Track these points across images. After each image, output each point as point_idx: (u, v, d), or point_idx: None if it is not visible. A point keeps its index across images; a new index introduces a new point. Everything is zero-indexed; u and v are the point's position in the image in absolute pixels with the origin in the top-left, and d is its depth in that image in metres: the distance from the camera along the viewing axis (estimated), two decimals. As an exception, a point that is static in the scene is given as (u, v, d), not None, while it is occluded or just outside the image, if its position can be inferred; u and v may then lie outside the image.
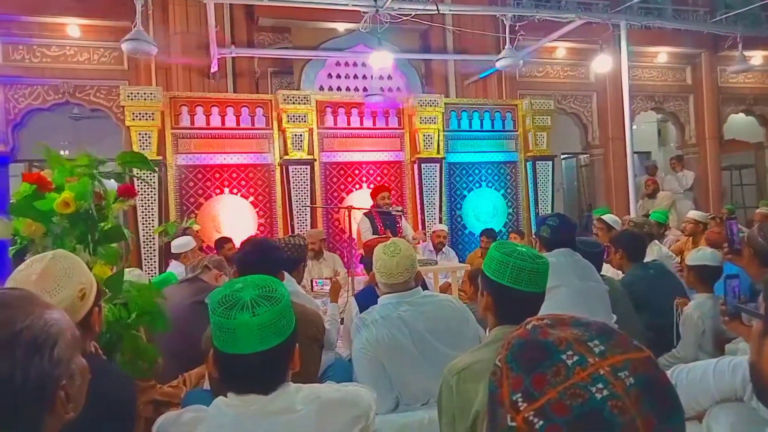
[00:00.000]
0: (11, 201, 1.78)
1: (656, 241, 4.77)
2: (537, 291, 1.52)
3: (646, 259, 3.52)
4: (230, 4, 6.82)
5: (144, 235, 5.43)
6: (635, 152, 6.87)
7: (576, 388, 0.55)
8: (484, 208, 6.86)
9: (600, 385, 0.54)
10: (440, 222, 6.31)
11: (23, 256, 1.53)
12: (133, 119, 5.46)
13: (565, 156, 10.62)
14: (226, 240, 5.30)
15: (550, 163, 6.96)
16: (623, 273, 3.45)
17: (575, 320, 0.64)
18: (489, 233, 6.02)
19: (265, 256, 2.25)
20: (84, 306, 1.31)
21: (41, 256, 1.34)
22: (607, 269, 3.55)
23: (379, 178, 6.49)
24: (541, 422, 0.55)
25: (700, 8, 8.82)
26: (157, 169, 5.24)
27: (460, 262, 5.71)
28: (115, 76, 6.62)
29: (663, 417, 0.55)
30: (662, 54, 8.96)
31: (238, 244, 4.68)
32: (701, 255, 2.94)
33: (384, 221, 5.25)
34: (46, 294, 1.23)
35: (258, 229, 6.04)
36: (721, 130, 9.46)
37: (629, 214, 6.05)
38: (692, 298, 3.01)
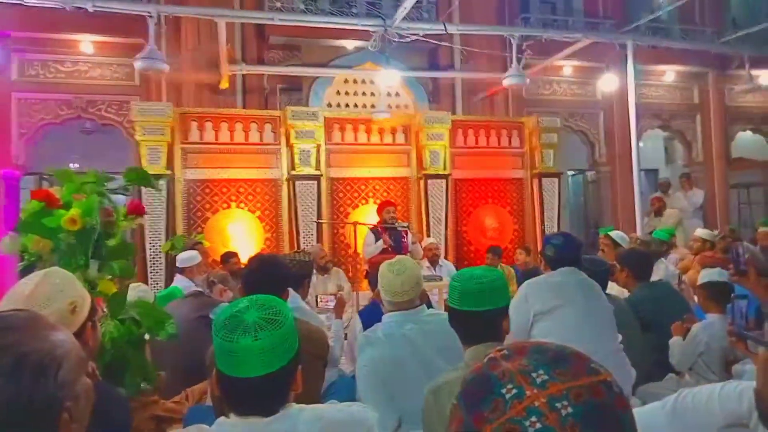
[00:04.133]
0: (20, 217, 1.80)
1: (663, 260, 4.74)
2: (484, 309, 1.62)
3: (654, 278, 3.49)
4: (241, 23, 6.92)
5: (151, 249, 5.47)
6: (642, 170, 6.86)
7: (511, 423, 0.54)
8: (490, 225, 6.85)
9: (534, 418, 0.54)
10: (428, 236, 6.25)
11: (30, 272, 1.55)
12: (143, 134, 5.53)
13: (572, 173, 10.61)
14: (232, 254, 5.31)
15: (557, 180, 6.95)
16: (629, 292, 3.42)
17: (536, 347, 0.63)
18: (495, 250, 6.01)
19: (270, 273, 2.26)
20: (76, 320, 1.33)
21: (36, 274, 1.38)
22: (612, 288, 3.53)
23: (385, 194, 6.50)
24: None
25: (708, 28, 8.85)
26: (159, 186, 5.27)
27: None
28: (126, 92, 6.71)
29: None
30: (669, 73, 8.97)
31: (244, 259, 4.69)
32: (708, 273, 2.93)
33: (389, 236, 5.25)
34: (36, 308, 1.26)
35: (264, 244, 6.06)
36: (729, 148, 9.43)
37: (636, 232, 6.03)
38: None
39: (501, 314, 1.66)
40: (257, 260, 2.38)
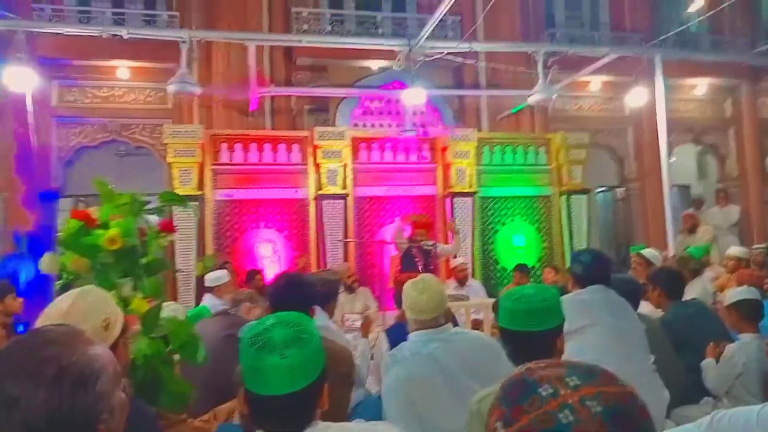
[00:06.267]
0: (59, 235, 1.87)
1: (698, 278, 4.61)
2: (536, 330, 1.59)
3: (689, 297, 3.41)
4: (270, 46, 7.09)
5: (181, 269, 5.57)
6: (674, 185, 6.72)
7: (546, 415, 0.64)
8: (517, 243, 6.78)
9: (567, 412, 0.63)
10: (455, 257, 6.19)
11: (69, 290, 1.61)
12: (175, 156, 5.68)
13: (601, 189, 10.46)
14: (256, 272, 5.38)
15: (585, 197, 6.87)
16: (662, 311, 3.34)
17: (569, 363, 0.72)
18: (522, 268, 5.93)
19: (297, 292, 2.28)
20: (109, 336, 1.37)
21: (71, 291, 1.43)
22: (644, 307, 3.45)
23: (411, 213, 6.50)
24: None
25: (739, 39, 8.69)
26: (191, 205, 5.43)
27: (489, 295, 5.63)
28: (159, 115, 6.92)
29: None
30: (700, 86, 8.81)
31: (270, 278, 4.75)
32: (738, 291, 2.87)
33: (419, 254, 5.26)
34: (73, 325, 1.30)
35: (292, 263, 6.12)
36: (765, 162, 9.18)
37: (667, 250, 5.89)
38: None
39: (554, 334, 1.62)
40: (284, 278, 2.40)
